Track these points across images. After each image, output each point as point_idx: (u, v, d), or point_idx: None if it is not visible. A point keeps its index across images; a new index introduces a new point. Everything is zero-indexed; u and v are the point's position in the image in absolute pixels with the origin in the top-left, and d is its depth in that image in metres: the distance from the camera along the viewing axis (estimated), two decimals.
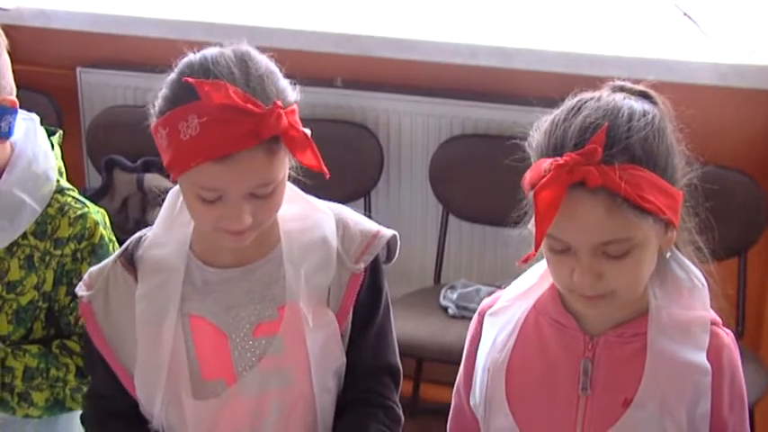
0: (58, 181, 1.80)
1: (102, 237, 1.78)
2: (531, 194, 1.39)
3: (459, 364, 1.64)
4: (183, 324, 1.58)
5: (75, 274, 1.75)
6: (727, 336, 1.49)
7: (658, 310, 1.47)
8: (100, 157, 3.37)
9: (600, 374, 1.47)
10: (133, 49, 3.43)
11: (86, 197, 1.84)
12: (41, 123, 1.83)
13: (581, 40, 3.07)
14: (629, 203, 1.34)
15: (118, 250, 1.66)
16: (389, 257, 1.66)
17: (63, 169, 1.83)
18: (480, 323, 1.59)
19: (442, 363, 2.65)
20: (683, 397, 1.45)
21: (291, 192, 1.59)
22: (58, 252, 1.76)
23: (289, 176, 1.55)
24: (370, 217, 1.66)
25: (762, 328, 3.03)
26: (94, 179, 3.49)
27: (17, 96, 1.73)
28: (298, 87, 1.52)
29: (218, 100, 1.41)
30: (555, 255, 1.42)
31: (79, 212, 1.77)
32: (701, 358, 1.45)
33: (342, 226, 1.61)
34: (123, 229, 2.92)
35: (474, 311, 1.63)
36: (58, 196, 1.78)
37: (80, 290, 1.63)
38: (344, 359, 1.60)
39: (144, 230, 1.65)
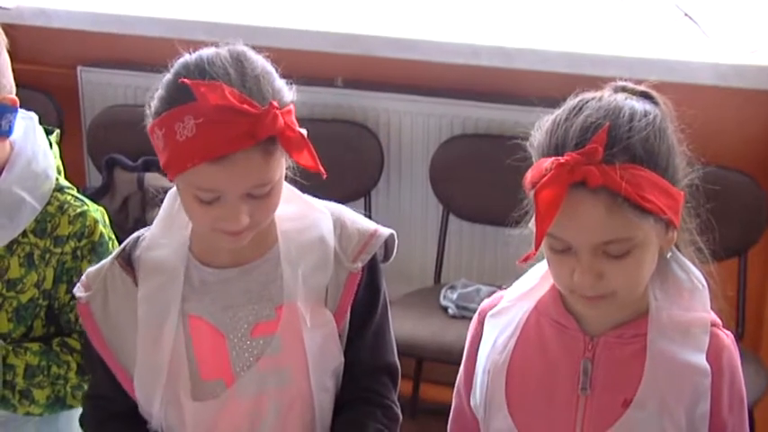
0: (56, 179, 1.80)
1: (101, 235, 1.78)
2: (531, 194, 1.39)
3: (459, 365, 1.64)
4: (183, 324, 1.58)
5: (75, 271, 1.75)
6: (727, 337, 1.49)
7: (658, 311, 1.47)
8: (100, 156, 3.36)
9: (600, 375, 1.47)
10: (134, 49, 3.43)
11: (87, 196, 1.85)
12: (41, 122, 1.83)
13: (582, 40, 3.06)
14: (630, 203, 1.34)
15: (115, 251, 1.66)
16: (387, 256, 1.66)
17: (61, 168, 1.84)
18: (481, 324, 1.59)
19: (442, 363, 2.64)
20: (682, 398, 1.45)
21: (288, 191, 1.58)
22: (58, 250, 1.76)
23: (287, 177, 1.54)
24: (370, 217, 1.66)
25: (762, 329, 3.03)
26: (95, 178, 3.49)
27: (17, 95, 1.73)
28: (294, 87, 1.52)
29: (213, 101, 1.41)
30: (555, 254, 1.42)
31: (79, 210, 1.77)
32: (700, 360, 1.45)
33: (339, 225, 1.61)
34: (123, 228, 2.91)
35: (474, 311, 1.63)
36: (58, 194, 1.78)
37: (78, 291, 1.62)
38: (342, 358, 1.60)
39: (141, 231, 1.65)
